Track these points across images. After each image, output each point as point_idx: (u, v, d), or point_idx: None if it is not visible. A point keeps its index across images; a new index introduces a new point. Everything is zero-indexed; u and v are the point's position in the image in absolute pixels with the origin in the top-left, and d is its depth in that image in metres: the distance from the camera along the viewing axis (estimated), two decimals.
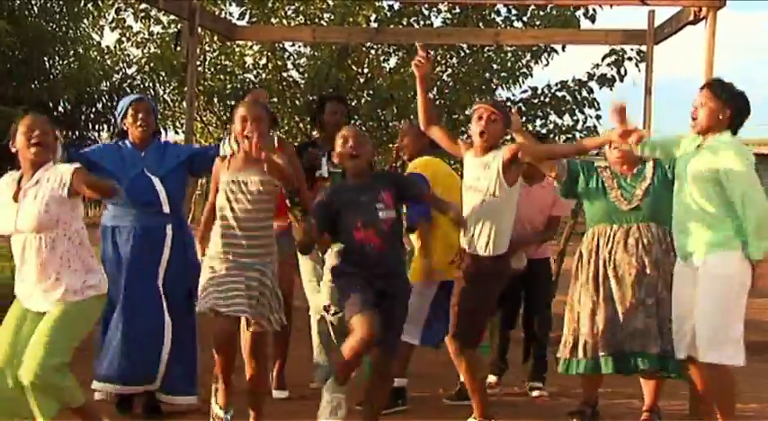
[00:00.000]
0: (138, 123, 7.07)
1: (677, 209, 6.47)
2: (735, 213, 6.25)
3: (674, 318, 6.53)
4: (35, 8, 9.92)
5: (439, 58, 13.81)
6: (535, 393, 8.19)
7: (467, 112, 13.41)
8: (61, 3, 10.05)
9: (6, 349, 5.78)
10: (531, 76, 13.83)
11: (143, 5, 12.64)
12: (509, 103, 13.57)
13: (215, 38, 13.25)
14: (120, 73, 11.43)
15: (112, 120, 10.40)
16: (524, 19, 13.52)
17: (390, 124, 12.80)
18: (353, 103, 12.79)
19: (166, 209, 7.02)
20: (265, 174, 6.09)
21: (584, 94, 13.61)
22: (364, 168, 6.39)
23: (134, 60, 12.95)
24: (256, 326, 6.20)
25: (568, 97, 13.64)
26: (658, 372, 7.00)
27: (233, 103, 13.11)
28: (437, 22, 13.64)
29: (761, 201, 6.16)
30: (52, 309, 5.74)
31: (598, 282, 7.05)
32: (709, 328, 6.26)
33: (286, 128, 13.72)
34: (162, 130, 7.78)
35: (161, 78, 12.71)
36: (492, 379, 8.30)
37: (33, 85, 9.35)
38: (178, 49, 11.42)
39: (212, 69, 13.76)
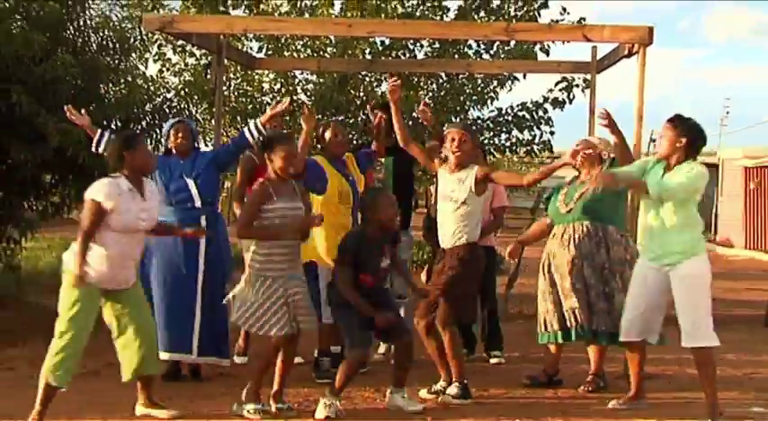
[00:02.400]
0: (178, 139, 7.33)
1: (649, 219, 6.53)
2: (697, 221, 6.48)
3: (628, 306, 6.69)
4: (93, 45, 9.98)
5: (421, 84, 13.97)
6: (494, 360, 8.22)
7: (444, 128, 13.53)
8: (114, 40, 10.11)
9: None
10: (497, 98, 13.98)
11: (180, 41, 12.78)
12: (479, 121, 13.78)
13: (238, 67, 13.34)
14: (161, 97, 11.48)
15: (155, 136, 10.54)
16: (491, 52, 13.69)
17: None
18: (351, 121, 12.98)
19: (198, 204, 7.19)
20: (297, 200, 6.39)
21: (540, 113, 13.79)
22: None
23: (172, 86, 13.08)
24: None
25: (527, 116, 13.81)
26: (593, 342, 7.23)
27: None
28: (420, 55, 13.79)
29: (683, 186, 6.33)
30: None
31: (545, 271, 7.31)
32: (690, 321, 6.47)
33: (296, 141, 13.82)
34: (200, 146, 7.93)
35: (194, 101, 12.82)
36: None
37: (91, 108, 9.39)
38: (208, 76, 11.58)
39: (236, 93, 13.85)
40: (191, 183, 7.19)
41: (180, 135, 7.35)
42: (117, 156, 5.99)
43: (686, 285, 6.45)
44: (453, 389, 6.77)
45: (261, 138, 7.11)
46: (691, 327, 6.45)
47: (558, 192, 7.43)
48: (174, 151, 7.37)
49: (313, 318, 6.51)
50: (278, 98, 13.81)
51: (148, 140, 10.60)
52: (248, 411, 6.22)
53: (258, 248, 6.30)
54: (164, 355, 7.04)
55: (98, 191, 5.82)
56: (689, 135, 6.46)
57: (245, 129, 7.34)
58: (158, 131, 10.47)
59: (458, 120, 13.40)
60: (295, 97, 13.83)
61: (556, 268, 7.19)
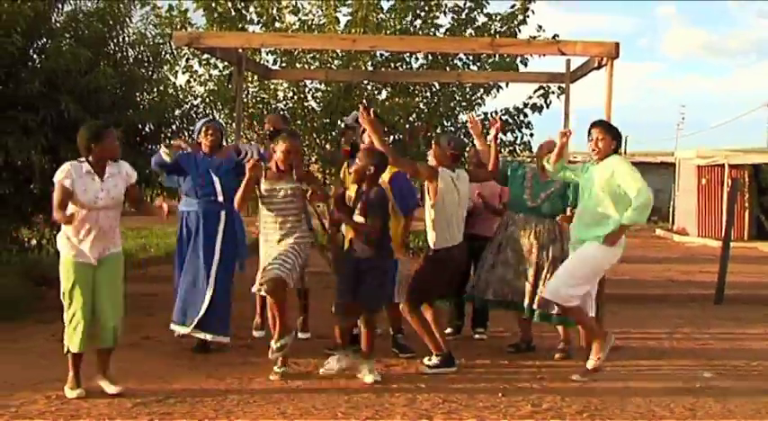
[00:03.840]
0: (208, 137, 7.32)
1: (581, 210, 6.71)
2: (616, 214, 6.52)
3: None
4: (130, 58, 10.00)
5: (416, 91, 14.03)
6: (477, 336, 8.24)
7: (437, 131, 13.61)
8: (148, 54, 10.15)
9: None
10: (484, 104, 14.11)
11: (205, 55, 12.82)
12: (467, 125, 13.82)
13: (255, 77, 13.41)
14: (189, 104, 11.52)
15: (185, 137, 10.58)
16: (478, 64, 13.76)
17: None
18: None
19: (221, 198, 7.16)
20: (293, 182, 6.52)
21: (521, 118, 13.86)
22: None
23: (198, 94, 13.13)
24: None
25: (510, 120, 13.88)
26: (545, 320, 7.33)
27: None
28: (416, 66, 13.86)
29: (646, 191, 6.44)
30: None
31: (499, 248, 7.39)
32: (559, 280, 6.64)
33: (306, 142, 13.91)
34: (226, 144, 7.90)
35: (217, 107, 12.91)
36: (449, 330, 8.13)
37: (128, 113, 9.47)
38: (229, 85, 11.62)
39: (254, 100, 13.94)
40: (215, 179, 7.18)
41: (209, 133, 7.33)
42: (85, 145, 5.95)
43: (574, 256, 6.65)
44: (433, 360, 6.83)
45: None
46: (554, 285, 6.63)
47: (521, 176, 7.46)
48: (203, 146, 7.34)
49: (277, 270, 6.43)
50: (290, 105, 13.89)
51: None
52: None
53: (261, 217, 6.62)
54: (177, 328, 7.16)
55: (60, 171, 5.90)
56: (618, 138, 6.77)
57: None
58: (187, 134, 10.55)
59: (448, 123, 13.50)
60: (306, 104, 13.92)
61: (514, 251, 7.29)
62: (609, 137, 6.67)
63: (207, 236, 7.15)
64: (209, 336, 7.18)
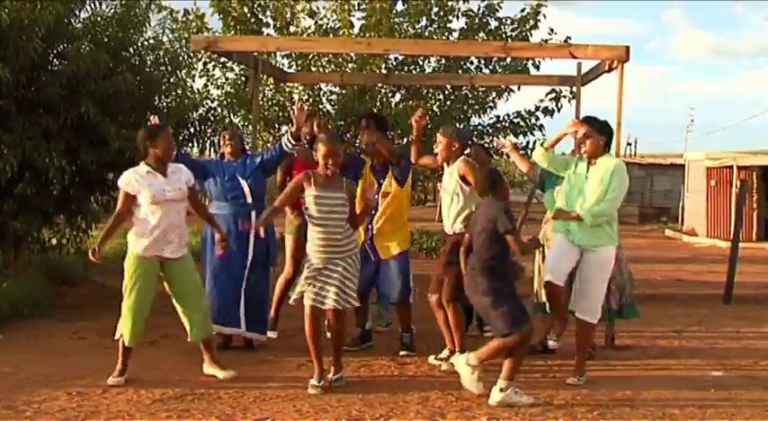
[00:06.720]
0: (227, 143, 7.39)
1: (575, 207, 6.50)
2: (613, 217, 6.44)
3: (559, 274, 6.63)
4: (149, 62, 10.05)
5: (430, 94, 14.02)
6: (488, 334, 7.94)
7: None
8: (166, 59, 10.20)
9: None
10: (496, 107, 14.04)
11: (222, 59, 12.84)
12: (480, 127, 13.79)
13: (271, 80, 13.42)
14: (206, 106, 11.58)
15: (202, 139, 10.64)
16: (490, 67, 13.74)
17: (396, 141, 12.91)
18: None
19: (249, 200, 7.23)
20: (340, 190, 6.11)
21: (533, 120, 13.82)
22: None
23: (215, 97, 13.17)
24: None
25: (522, 122, 13.84)
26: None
27: (284, 127, 13.42)
28: (429, 69, 13.84)
29: (614, 205, 6.36)
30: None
31: (540, 251, 7.30)
32: (590, 299, 6.51)
33: None
34: (248, 149, 7.91)
35: (234, 109, 12.93)
36: None
37: (147, 116, 9.54)
38: (246, 88, 11.62)
39: (269, 103, 13.94)
40: (243, 182, 7.24)
41: (227, 138, 7.42)
42: (142, 146, 6.25)
43: (596, 269, 6.47)
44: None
45: (303, 143, 7.14)
46: (589, 304, 6.51)
47: (554, 182, 7.25)
48: (226, 154, 7.41)
49: (342, 298, 6.09)
50: (305, 107, 13.86)
51: (195, 142, 10.72)
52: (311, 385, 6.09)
53: (309, 234, 6.13)
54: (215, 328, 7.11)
55: (121, 179, 6.19)
56: (606, 133, 6.56)
57: (284, 140, 7.29)
58: (205, 135, 10.61)
59: (462, 126, 13.48)
60: (321, 106, 13.92)
61: (549, 250, 7.12)
62: (598, 133, 6.47)
63: (239, 237, 7.18)
64: (254, 336, 7.31)
